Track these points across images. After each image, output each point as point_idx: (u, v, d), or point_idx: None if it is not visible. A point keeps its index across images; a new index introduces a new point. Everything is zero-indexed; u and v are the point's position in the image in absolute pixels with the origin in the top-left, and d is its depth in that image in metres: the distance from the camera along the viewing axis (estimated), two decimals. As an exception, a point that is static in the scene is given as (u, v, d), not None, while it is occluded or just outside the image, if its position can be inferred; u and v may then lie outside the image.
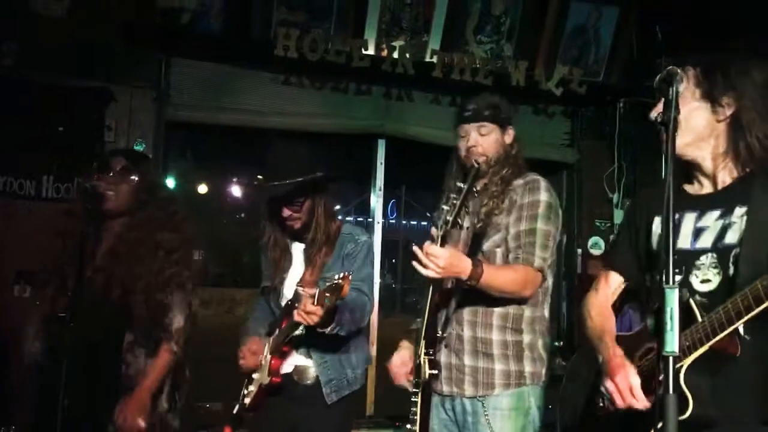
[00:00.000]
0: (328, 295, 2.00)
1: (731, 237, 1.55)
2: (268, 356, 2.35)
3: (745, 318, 1.40)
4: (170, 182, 4.41)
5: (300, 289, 2.14)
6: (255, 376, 2.41)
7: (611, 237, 4.44)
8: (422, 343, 2.00)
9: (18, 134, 3.62)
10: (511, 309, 2.14)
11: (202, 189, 6.90)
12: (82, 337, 2.07)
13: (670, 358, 1.22)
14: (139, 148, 3.82)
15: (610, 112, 4.58)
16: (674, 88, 1.38)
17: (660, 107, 1.42)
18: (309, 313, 2.07)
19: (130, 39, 3.77)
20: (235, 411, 2.44)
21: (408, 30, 4.18)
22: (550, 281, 2.22)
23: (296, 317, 2.12)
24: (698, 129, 1.60)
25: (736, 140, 1.58)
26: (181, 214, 2.42)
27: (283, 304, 2.42)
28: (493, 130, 2.19)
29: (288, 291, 2.40)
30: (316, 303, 2.04)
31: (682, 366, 1.45)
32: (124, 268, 2.23)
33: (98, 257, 2.26)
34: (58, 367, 2.00)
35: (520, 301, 2.13)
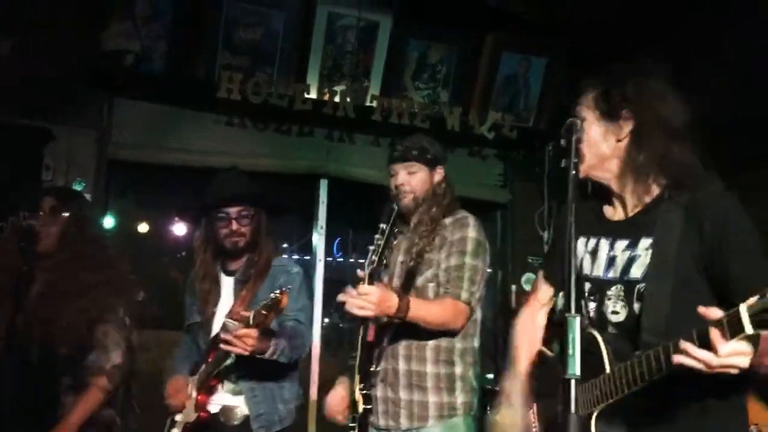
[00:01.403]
0: (265, 313, 1.98)
1: (636, 271, 1.54)
2: (194, 393, 2.28)
3: (653, 379, 1.37)
4: (109, 221, 4.37)
5: (229, 321, 2.13)
6: (178, 418, 2.32)
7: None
8: (357, 378, 2.07)
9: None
10: (443, 342, 2.22)
11: (143, 228, 6.79)
12: (15, 379, 2.05)
13: (572, 381, 1.35)
14: (78, 187, 3.80)
15: (539, 156, 4.85)
16: (574, 137, 1.55)
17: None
18: (243, 338, 2.02)
19: (73, 79, 3.79)
20: None
21: (349, 76, 4.36)
22: (479, 314, 2.33)
23: (230, 347, 2.08)
24: (600, 150, 1.60)
25: (633, 158, 1.57)
26: (111, 252, 2.42)
27: None
28: (420, 169, 2.31)
29: (219, 326, 2.34)
30: (252, 323, 2.01)
31: (592, 413, 1.47)
32: (48, 309, 2.22)
33: (28, 298, 2.24)
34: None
35: (451, 333, 2.22)
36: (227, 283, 2.45)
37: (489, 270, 2.37)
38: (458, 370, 2.23)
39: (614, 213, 1.66)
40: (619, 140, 1.59)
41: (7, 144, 3.68)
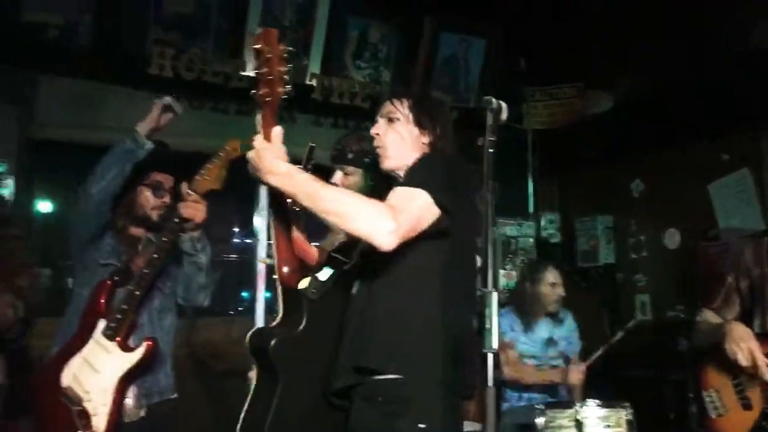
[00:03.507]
0: (216, 164, 2.24)
1: None
2: None
3: None
4: (47, 206, 4.22)
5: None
6: None
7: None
8: None
9: None
10: None
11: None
12: None
13: (489, 355, 1.38)
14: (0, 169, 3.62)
15: (481, 135, 4.87)
16: (491, 115, 1.57)
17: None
18: (194, 205, 2.22)
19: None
20: None
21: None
22: None
23: (183, 211, 2.20)
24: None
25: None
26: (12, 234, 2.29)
27: None
28: (355, 172, 2.19)
29: None
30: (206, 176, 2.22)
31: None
32: None
33: None
34: None
35: None
36: None
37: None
38: None
39: None
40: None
41: None
